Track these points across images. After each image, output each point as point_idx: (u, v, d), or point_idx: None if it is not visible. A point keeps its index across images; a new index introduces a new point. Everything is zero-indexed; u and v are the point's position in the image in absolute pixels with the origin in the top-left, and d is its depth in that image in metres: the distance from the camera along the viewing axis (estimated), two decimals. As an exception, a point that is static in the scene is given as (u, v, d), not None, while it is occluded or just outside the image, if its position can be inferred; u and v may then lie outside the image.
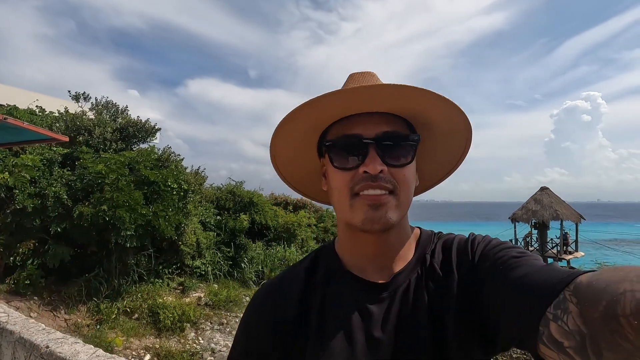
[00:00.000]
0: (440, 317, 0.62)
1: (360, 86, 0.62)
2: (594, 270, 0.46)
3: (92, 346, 2.05)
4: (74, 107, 8.79)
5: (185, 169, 8.57)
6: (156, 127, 8.85)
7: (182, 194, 7.47)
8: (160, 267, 7.62)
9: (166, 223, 6.87)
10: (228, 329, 6.68)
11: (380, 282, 0.66)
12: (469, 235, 0.70)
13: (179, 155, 8.40)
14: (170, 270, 7.80)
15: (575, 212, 17.02)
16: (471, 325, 0.60)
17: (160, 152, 8.10)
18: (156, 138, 8.86)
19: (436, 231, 0.75)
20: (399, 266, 0.68)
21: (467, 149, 0.74)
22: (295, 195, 15.86)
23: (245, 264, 9.38)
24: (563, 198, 17.60)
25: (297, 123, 0.67)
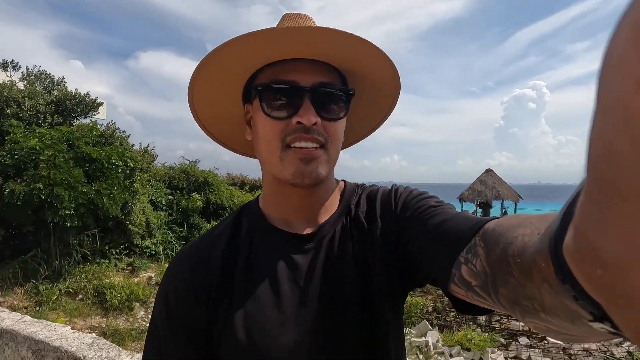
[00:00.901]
0: (365, 261, 0.64)
1: (300, 26, 0.59)
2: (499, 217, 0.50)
3: (19, 314, 2.01)
4: (0, 77, 8.02)
5: (132, 146, 8.21)
6: (98, 101, 8.33)
7: (128, 172, 7.19)
8: (107, 248, 7.37)
9: (111, 202, 6.61)
10: (179, 307, 6.69)
11: (305, 233, 0.66)
12: (392, 186, 0.71)
13: (125, 132, 8.03)
14: (117, 250, 7.57)
15: (515, 192, 18.47)
16: (393, 268, 0.63)
17: (104, 128, 7.68)
18: (98, 113, 8.35)
19: (360, 183, 0.75)
20: (324, 218, 0.67)
21: (392, 106, 0.73)
22: (252, 176, 15.72)
23: (198, 243, 9.32)
24: (509, 180, 19.00)
25: (223, 62, 0.61)
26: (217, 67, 0.61)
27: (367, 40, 0.58)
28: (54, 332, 1.67)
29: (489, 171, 18.73)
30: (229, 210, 11.77)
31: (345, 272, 0.64)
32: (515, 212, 18.84)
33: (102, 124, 7.81)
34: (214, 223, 10.73)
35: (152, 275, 7.66)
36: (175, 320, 0.62)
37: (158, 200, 9.32)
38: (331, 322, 0.62)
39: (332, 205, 0.69)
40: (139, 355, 1.54)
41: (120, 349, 1.50)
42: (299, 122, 0.58)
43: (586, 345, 4.22)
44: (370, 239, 0.65)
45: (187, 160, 11.73)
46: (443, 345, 4.56)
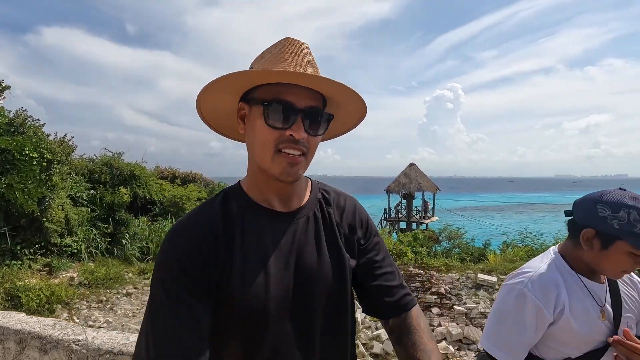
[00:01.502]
0: (336, 242, 0.87)
1: (307, 74, 0.73)
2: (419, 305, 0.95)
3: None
4: None
5: (48, 136, 7.47)
6: (4, 84, 7.39)
7: (44, 164, 6.57)
8: (19, 248, 6.67)
9: (25, 197, 6.02)
10: (109, 306, 6.36)
11: (286, 211, 0.84)
12: (365, 213, 0.97)
13: (38, 120, 7.27)
14: (31, 250, 6.89)
15: (434, 184, 20.46)
16: (352, 259, 0.89)
17: (13, 115, 6.87)
18: (4, 98, 7.42)
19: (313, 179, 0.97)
20: (297, 203, 0.86)
21: (355, 125, 0.93)
22: (183, 169, 15.10)
23: (126, 240, 8.81)
24: (429, 173, 20.91)
25: (234, 81, 0.76)
26: (235, 77, 0.76)
27: (350, 88, 0.77)
28: (10, 318, 1.66)
29: (412, 165, 20.47)
30: (159, 205, 11.26)
31: (321, 244, 0.84)
32: (434, 202, 20.89)
33: (10, 111, 6.97)
34: (143, 219, 10.21)
35: (75, 275, 7.13)
36: (191, 278, 0.72)
37: (78, 195, 8.60)
38: (308, 282, 0.80)
39: (303, 194, 0.90)
40: (104, 330, 1.67)
41: (84, 327, 1.58)
42: (291, 135, 0.75)
43: (482, 309, 5.13)
44: (339, 229, 0.89)
45: (110, 151, 10.94)
46: (370, 320, 5.13)
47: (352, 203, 0.96)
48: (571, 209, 1.21)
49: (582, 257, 1.17)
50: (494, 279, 5.56)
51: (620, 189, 1.15)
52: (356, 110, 0.87)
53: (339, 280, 0.85)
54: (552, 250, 1.27)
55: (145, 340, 0.69)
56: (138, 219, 9.89)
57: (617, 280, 1.23)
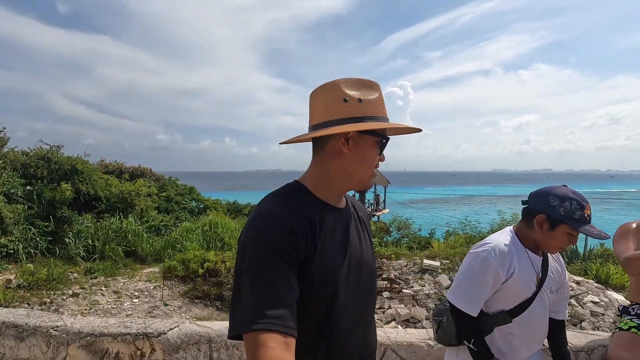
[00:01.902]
0: (367, 232, 1.11)
1: (408, 127, 0.99)
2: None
3: None
4: None
5: (-24, 127, 6.80)
6: None
7: (-26, 158, 6.00)
8: (-57, 250, 6.06)
9: (-48, 194, 5.47)
10: (53, 307, 6.00)
11: (341, 208, 1.04)
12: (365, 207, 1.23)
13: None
14: (-41, 253, 6.29)
15: (385, 178, 21.41)
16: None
17: None
18: None
19: None
20: (344, 202, 1.06)
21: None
22: (130, 163, 14.34)
23: (70, 238, 8.30)
24: (381, 168, 21.44)
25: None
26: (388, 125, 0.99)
27: (420, 129, 1.02)
28: (-21, 312, 1.64)
29: (364, 160, 21.14)
30: (105, 201, 10.68)
31: (360, 235, 1.07)
32: (385, 195, 21.86)
33: None
34: (87, 216, 9.62)
35: (12, 277, 6.62)
36: (289, 257, 0.84)
37: (12, 191, 7.93)
38: (358, 264, 1.01)
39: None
40: (81, 317, 1.75)
41: (61, 314, 1.62)
42: (380, 160, 1.02)
43: (426, 291, 5.65)
44: (364, 224, 1.12)
45: (47, 144, 10.15)
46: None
47: (359, 204, 1.20)
48: (527, 199, 1.56)
49: (532, 236, 1.52)
50: (437, 263, 6.12)
51: (564, 185, 1.52)
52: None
53: (374, 263, 1.09)
54: (509, 229, 1.61)
55: (251, 301, 0.78)
56: (82, 216, 9.33)
57: (549, 256, 1.60)
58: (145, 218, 11.19)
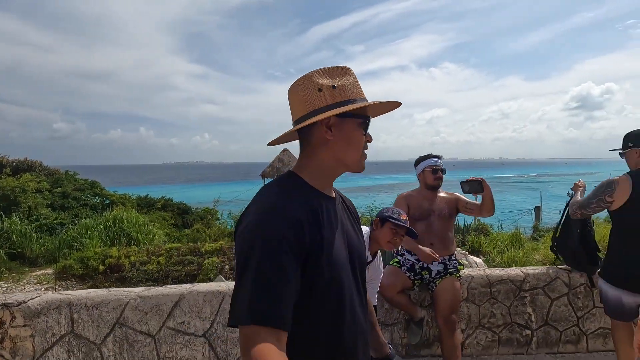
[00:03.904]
0: (357, 221, 1.14)
1: (385, 102, 0.99)
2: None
3: None
4: None
5: None
6: None
7: None
8: None
9: None
10: None
11: (333, 197, 1.05)
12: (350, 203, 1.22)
13: None
14: None
15: (306, 168, 21.80)
16: None
17: None
18: None
19: None
20: (334, 192, 1.08)
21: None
22: (13, 155, 12.49)
23: None
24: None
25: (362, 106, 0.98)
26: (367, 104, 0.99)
27: (398, 103, 1.03)
28: None
29: (285, 150, 21.15)
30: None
31: (352, 223, 1.10)
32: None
33: None
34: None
35: None
36: (295, 250, 0.85)
37: None
38: (353, 251, 1.04)
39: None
40: (32, 295, 1.95)
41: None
42: (367, 140, 1.02)
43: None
44: (352, 213, 1.15)
45: None
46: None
47: (344, 195, 1.21)
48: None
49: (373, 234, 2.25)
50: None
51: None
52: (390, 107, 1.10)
53: (364, 251, 1.11)
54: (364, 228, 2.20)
55: (250, 295, 0.80)
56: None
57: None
58: (35, 216, 9.97)
